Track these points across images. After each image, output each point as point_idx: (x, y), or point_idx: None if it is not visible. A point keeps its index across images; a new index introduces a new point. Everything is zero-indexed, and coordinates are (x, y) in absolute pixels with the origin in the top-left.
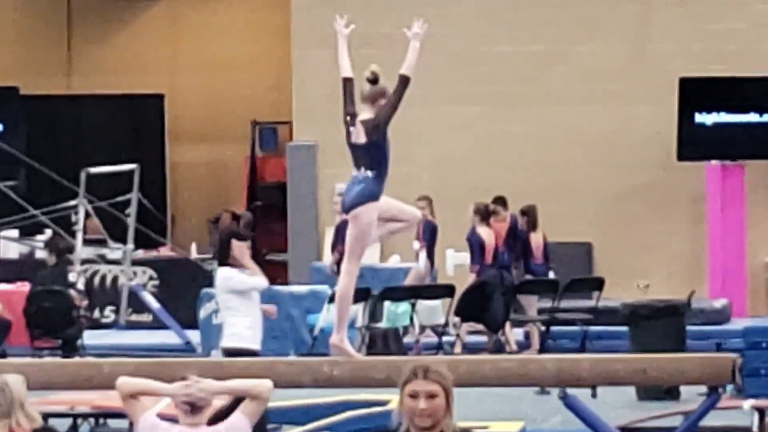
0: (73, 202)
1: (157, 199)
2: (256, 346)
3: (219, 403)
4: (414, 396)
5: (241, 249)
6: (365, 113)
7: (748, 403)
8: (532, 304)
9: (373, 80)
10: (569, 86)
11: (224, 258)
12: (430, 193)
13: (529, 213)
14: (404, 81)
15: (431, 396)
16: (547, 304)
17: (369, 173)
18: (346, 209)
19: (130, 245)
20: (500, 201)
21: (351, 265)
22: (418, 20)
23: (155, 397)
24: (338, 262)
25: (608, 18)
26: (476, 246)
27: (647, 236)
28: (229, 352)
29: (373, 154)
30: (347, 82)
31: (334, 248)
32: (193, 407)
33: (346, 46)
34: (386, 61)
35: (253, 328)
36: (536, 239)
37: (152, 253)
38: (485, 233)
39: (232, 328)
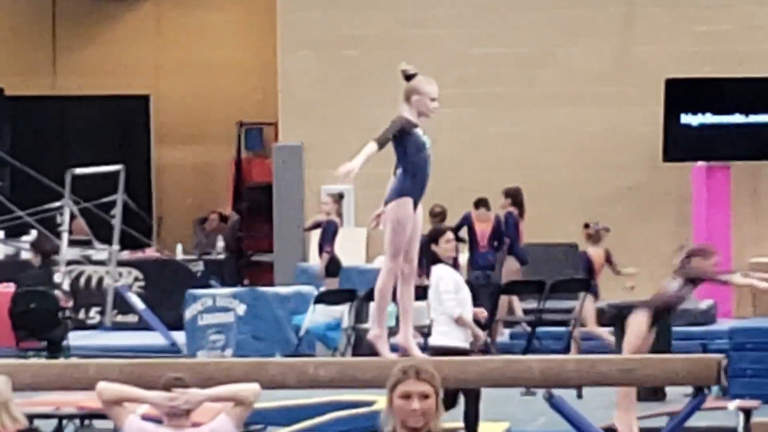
0: (58, 203)
1: (142, 200)
2: (464, 344)
3: (211, 405)
4: (406, 397)
5: (450, 244)
6: (404, 112)
7: (733, 404)
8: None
9: (406, 77)
10: (556, 88)
11: (436, 256)
12: None
13: (517, 195)
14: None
15: (424, 396)
16: (532, 305)
17: (399, 170)
18: (384, 205)
19: (116, 246)
20: (483, 202)
21: (389, 261)
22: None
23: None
24: (327, 265)
25: (594, 20)
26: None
27: (633, 237)
28: (437, 351)
29: (397, 152)
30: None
31: (321, 250)
32: (178, 415)
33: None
34: (370, 62)
35: (460, 326)
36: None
37: (138, 254)
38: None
39: (442, 327)
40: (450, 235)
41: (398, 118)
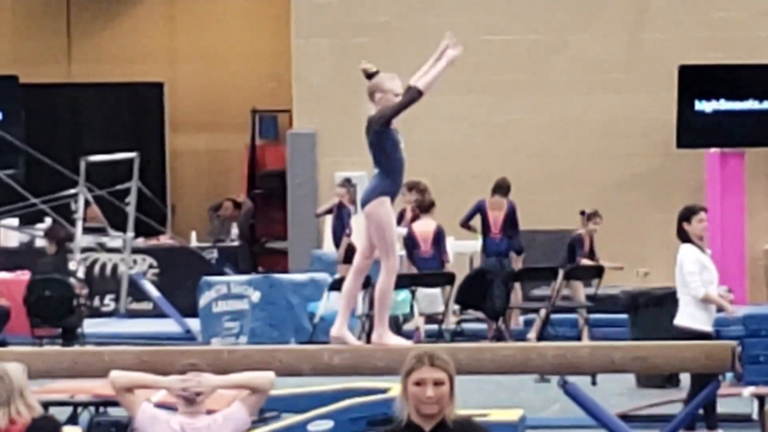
0: (72, 191)
1: (156, 187)
2: (708, 328)
3: (226, 392)
4: (420, 384)
5: (702, 224)
6: (371, 111)
7: (747, 391)
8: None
9: (367, 76)
10: (568, 75)
11: (686, 234)
12: (429, 182)
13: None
14: (413, 93)
15: (438, 383)
16: (546, 292)
17: (376, 170)
18: (362, 207)
19: (130, 233)
20: (499, 188)
21: (388, 261)
22: (451, 36)
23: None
24: (347, 251)
25: (607, 6)
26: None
27: (647, 224)
28: (680, 331)
29: (373, 152)
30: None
31: (335, 236)
32: (191, 400)
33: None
34: (383, 49)
35: (706, 309)
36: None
37: (152, 242)
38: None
39: (688, 308)
40: (703, 214)
41: (377, 120)
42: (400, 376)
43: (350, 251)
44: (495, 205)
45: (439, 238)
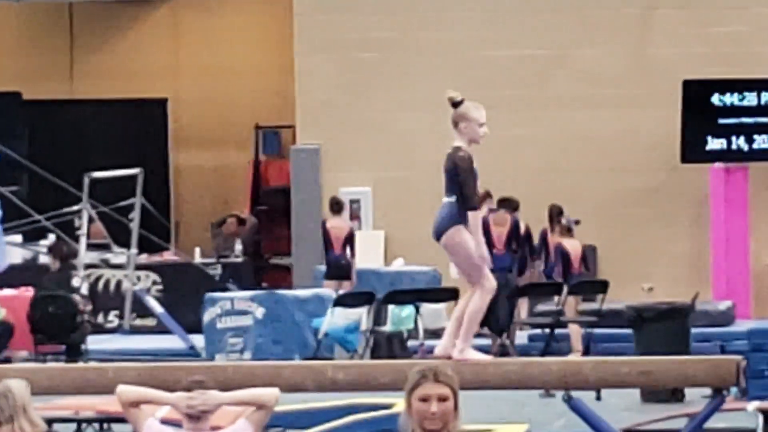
0: (76, 207)
1: (160, 203)
2: None
3: (231, 409)
4: (425, 399)
5: None
6: (455, 139)
7: (752, 405)
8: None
9: (453, 104)
10: (572, 90)
11: None
12: (432, 198)
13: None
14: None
15: (442, 399)
16: (551, 307)
17: (450, 199)
18: (436, 237)
19: (134, 250)
20: (505, 203)
21: (481, 283)
22: None
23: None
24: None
25: (610, 22)
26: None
27: (651, 239)
28: None
29: (450, 181)
30: None
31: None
32: (197, 417)
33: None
34: (386, 65)
35: None
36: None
37: (156, 258)
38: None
39: None
40: None
41: (461, 159)
42: (405, 391)
43: (334, 267)
44: (498, 220)
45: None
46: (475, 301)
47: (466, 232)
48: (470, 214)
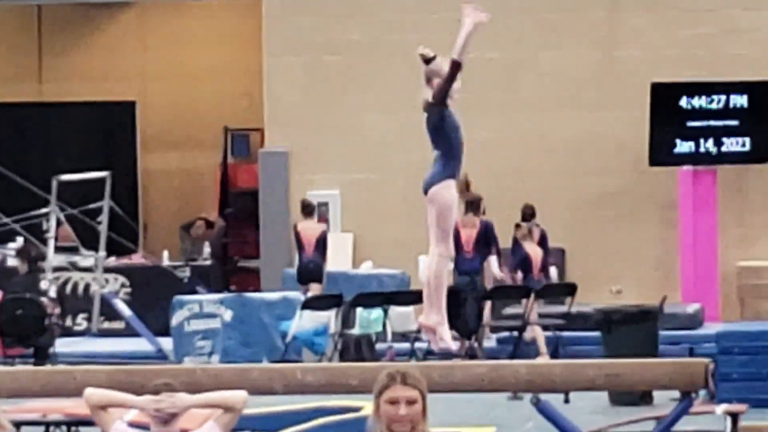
0: (44, 210)
1: (128, 206)
2: None
3: (199, 412)
4: (393, 402)
5: None
6: (427, 95)
7: (720, 408)
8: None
9: (425, 60)
10: (539, 93)
11: None
12: (401, 201)
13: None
14: (452, 65)
15: (411, 402)
16: (519, 310)
17: (436, 153)
18: (424, 191)
19: (102, 253)
20: (472, 206)
21: (440, 245)
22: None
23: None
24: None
25: (577, 24)
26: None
27: (619, 241)
28: None
29: (434, 135)
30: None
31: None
32: (164, 420)
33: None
34: (355, 68)
35: None
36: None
37: (124, 261)
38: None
39: None
40: None
41: (434, 110)
42: (373, 394)
43: (305, 270)
44: (467, 222)
45: None
46: (436, 267)
47: (453, 189)
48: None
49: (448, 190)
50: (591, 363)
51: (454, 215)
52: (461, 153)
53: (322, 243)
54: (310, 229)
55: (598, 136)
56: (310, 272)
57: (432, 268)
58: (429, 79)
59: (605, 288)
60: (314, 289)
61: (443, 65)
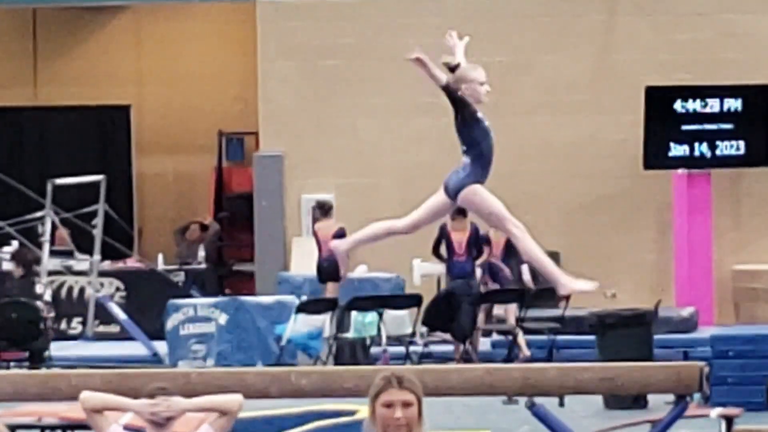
0: (39, 214)
1: (123, 210)
2: None
3: (194, 415)
4: (389, 405)
5: None
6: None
7: (715, 412)
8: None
9: (449, 69)
10: (535, 96)
11: None
12: (396, 205)
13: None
14: (445, 91)
15: (407, 405)
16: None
17: (465, 158)
18: (452, 195)
19: (97, 256)
20: (460, 210)
21: (515, 227)
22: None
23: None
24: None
25: (573, 28)
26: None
27: (614, 245)
28: None
29: (463, 139)
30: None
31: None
32: (160, 424)
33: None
34: (350, 72)
35: None
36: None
37: (119, 265)
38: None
39: None
40: None
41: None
42: (368, 397)
43: (323, 269)
44: (457, 227)
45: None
46: (524, 243)
47: (482, 191)
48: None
49: (476, 195)
50: (586, 367)
51: (497, 203)
52: (491, 158)
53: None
54: (326, 228)
55: (592, 140)
56: (326, 271)
57: (523, 247)
58: (457, 87)
59: (600, 291)
60: (330, 289)
61: (469, 71)
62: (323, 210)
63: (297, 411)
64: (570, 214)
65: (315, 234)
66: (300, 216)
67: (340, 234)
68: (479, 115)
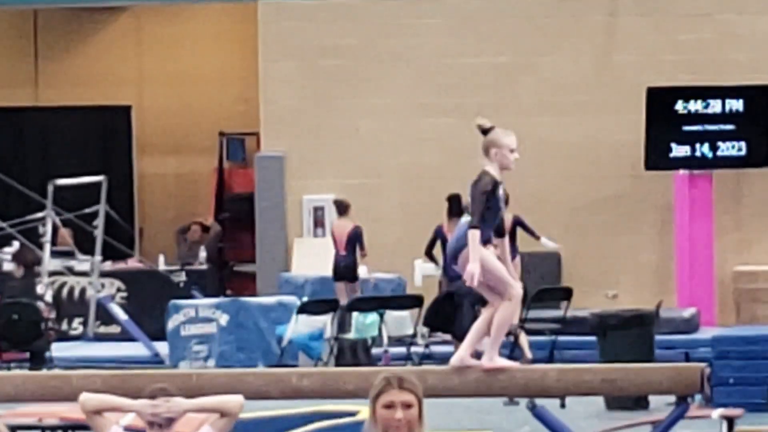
0: (40, 214)
1: (124, 210)
2: None
3: (195, 416)
4: (390, 406)
5: None
6: (486, 166)
7: (716, 413)
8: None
9: (482, 131)
10: (536, 97)
11: None
12: (397, 205)
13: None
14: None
15: (407, 406)
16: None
17: (467, 219)
18: (452, 256)
19: (98, 257)
20: (455, 211)
21: (508, 294)
22: None
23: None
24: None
25: (574, 29)
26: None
27: (615, 246)
28: None
29: (473, 203)
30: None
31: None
32: (160, 424)
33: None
34: (351, 72)
35: None
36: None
37: (120, 265)
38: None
39: None
40: None
41: (483, 182)
42: (369, 398)
43: (338, 268)
44: (453, 227)
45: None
46: (503, 310)
47: (483, 251)
48: (469, 232)
49: (486, 256)
50: (587, 368)
51: (497, 265)
52: (495, 222)
53: (352, 241)
54: (341, 227)
55: (594, 141)
56: (340, 271)
57: (499, 311)
58: (487, 150)
59: (601, 292)
60: (341, 289)
61: (501, 136)
62: (340, 209)
63: (298, 412)
64: (571, 214)
65: (332, 232)
66: (301, 217)
67: (356, 232)
68: (500, 185)
